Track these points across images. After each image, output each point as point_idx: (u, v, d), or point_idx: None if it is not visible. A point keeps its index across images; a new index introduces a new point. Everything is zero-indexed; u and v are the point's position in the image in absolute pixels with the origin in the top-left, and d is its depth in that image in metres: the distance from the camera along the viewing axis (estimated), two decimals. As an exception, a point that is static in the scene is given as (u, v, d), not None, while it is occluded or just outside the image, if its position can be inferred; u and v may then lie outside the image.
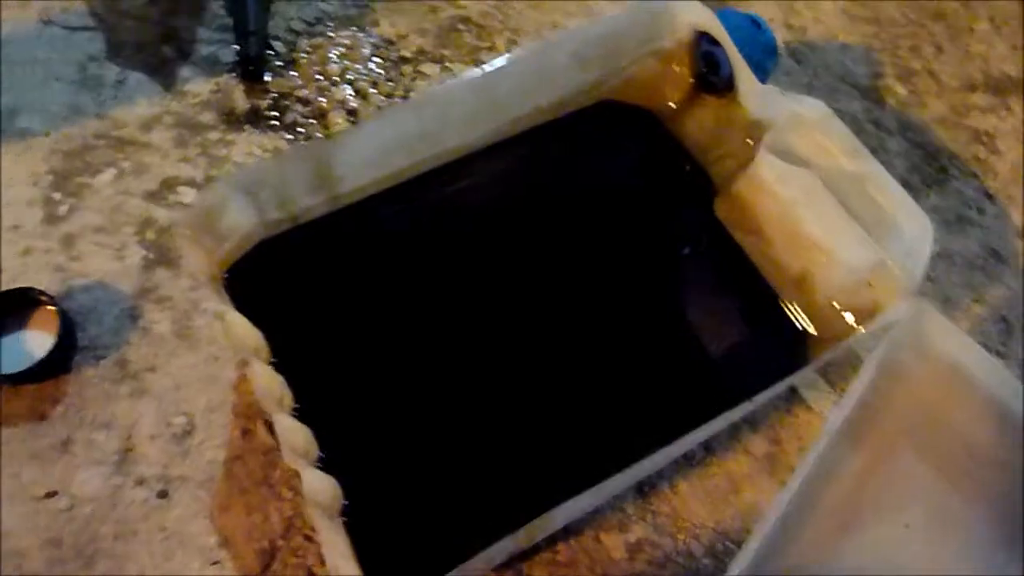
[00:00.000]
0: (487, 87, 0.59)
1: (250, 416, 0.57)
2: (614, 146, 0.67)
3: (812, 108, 0.59)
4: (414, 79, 0.71)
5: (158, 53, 0.71)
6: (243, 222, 0.54)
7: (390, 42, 0.73)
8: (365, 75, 0.71)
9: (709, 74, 0.63)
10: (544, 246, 0.63)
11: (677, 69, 0.64)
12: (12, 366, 0.56)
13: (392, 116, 0.58)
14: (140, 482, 0.54)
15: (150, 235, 0.63)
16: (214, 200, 0.52)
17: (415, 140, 0.58)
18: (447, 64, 0.72)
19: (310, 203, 0.57)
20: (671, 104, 0.66)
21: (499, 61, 0.58)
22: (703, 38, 0.62)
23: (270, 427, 0.56)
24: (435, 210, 0.62)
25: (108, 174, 0.66)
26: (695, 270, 0.65)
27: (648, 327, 0.62)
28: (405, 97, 0.70)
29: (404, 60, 0.72)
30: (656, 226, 0.66)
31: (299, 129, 0.68)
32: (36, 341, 0.58)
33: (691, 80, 0.64)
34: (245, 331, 0.50)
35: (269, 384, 0.47)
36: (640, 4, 0.62)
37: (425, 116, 0.58)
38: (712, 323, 0.63)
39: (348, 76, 0.71)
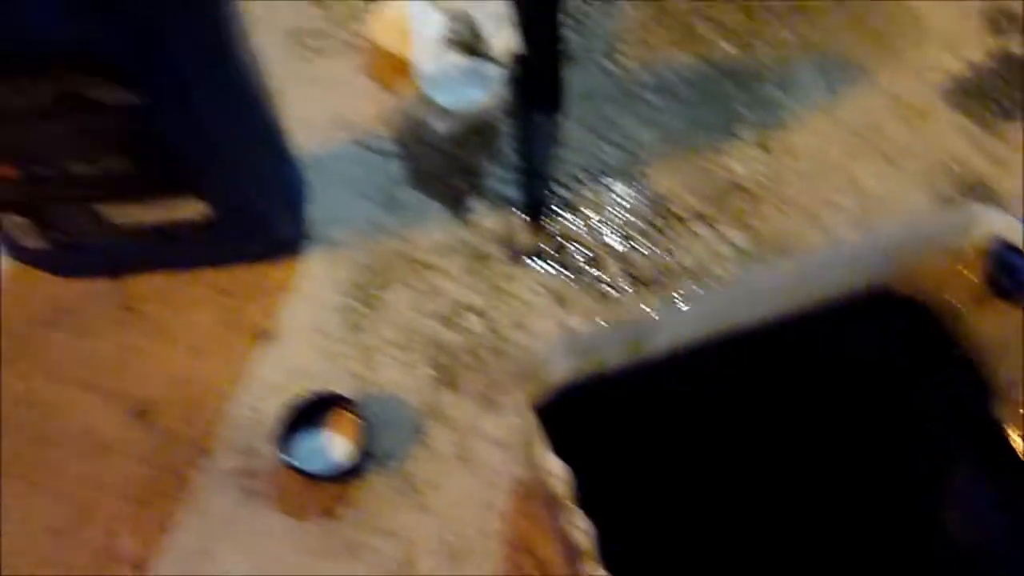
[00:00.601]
0: (789, 275, 0.62)
1: (520, 549, 0.60)
2: (888, 336, 0.68)
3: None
4: (687, 238, 0.75)
5: (454, 185, 0.78)
6: (559, 373, 0.58)
7: (664, 198, 0.77)
8: (639, 228, 0.75)
9: (1004, 281, 0.63)
10: (813, 426, 0.64)
11: (967, 271, 0.65)
12: (312, 464, 0.61)
13: (707, 300, 0.61)
14: (420, 599, 0.57)
15: (439, 357, 0.68)
16: (545, 358, 0.56)
17: (718, 318, 0.61)
18: (718, 227, 0.75)
19: (617, 360, 0.60)
20: (953, 302, 0.67)
21: (805, 257, 0.61)
22: (1003, 245, 0.63)
23: (541, 563, 0.58)
24: (718, 374, 0.64)
25: (404, 292, 0.72)
26: (967, 469, 0.64)
27: (909, 521, 0.61)
28: (675, 255, 0.74)
29: (676, 218, 0.76)
30: (928, 420, 0.65)
31: (577, 273, 0.73)
32: (336, 443, 0.63)
33: (982, 282, 0.65)
34: (557, 470, 0.52)
35: (580, 535, 0.50)
36: (943, 212, 0.64)
37: (734, 301, 0.61)
38: (984, 531, 0.61)
39: (623, 226, 0.75)
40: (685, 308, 0.61)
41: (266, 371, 0.67)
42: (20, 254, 0.69)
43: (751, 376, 0.65)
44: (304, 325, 0.69)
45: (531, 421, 0.54)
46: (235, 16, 0.53)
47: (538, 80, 0.79)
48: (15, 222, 0.64)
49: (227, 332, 0.69)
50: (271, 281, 0.72)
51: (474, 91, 0.75)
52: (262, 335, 0.69)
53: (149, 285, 0.72)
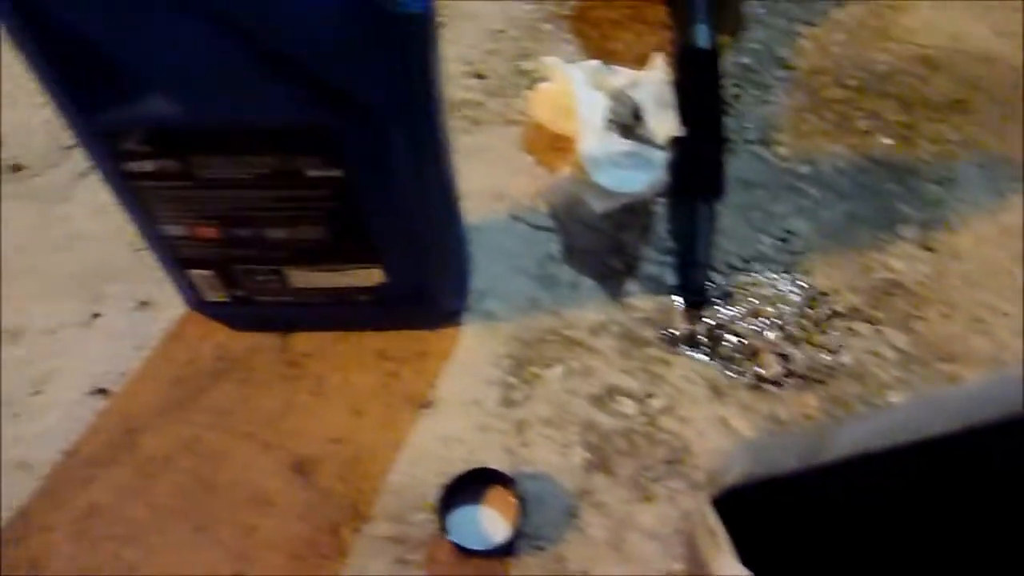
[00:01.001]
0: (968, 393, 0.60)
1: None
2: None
3: None
4: (846, 336, 0.73)
5: (607, 263, 0.79)
6: (734, 476, 0.57)
7: (823, 293, 0.76)
8: (797, 322, 0.74)
9: None
10: (988, 543, 0.61)
11: None
12: (468, 539, 0.62)
13: (887, 415, 0.59)
14: None
15: (592, 438, 0.68)
16: (727, 463, 0.55)
17: (895, 430, 0.59)
18: (879, 327, 0.74)
19: (791, 466, 0.59)
20: None
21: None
22: None
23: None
24: (892, 485, 0.62)
25: (558, 370, 0.72)
26: None
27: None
28: (834, 352, 0.72)
29: (836, 314, 0.75)
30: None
31: (733, 364, 0.72)
32: (492, 520, 0.63)
33: None
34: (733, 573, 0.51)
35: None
36: None
37: (910, 415, 0.59)
38: None
39: (780, 320, 0.74)
40: (861, 419, 0.59)
41: (423, 438, 0.68)
42: (199, 305, 0.73)
43: (927, 488, 0.62)
44: (461, 396, 0.70)
45: (709, 521, 0.53)
46: (442, 96, 0.55)
47: (699, 166, 0.80)
48: (203, 276, 0.67)
49: (386, 396, 0.71)
50: (431, 349, 0.73)
51: (637, 174, 0.76)
52: (420, 403, 0.70)
53: (312, 342, 0.75)
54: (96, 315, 0.78)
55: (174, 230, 0.62)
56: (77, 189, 0.88)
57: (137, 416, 0.72)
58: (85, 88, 0.51)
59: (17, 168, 0.90)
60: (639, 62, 0.95)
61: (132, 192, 0.59)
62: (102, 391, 0.73)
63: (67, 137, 0.90)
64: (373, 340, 0.74)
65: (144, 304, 0.79)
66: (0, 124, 0.95)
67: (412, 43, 0.49)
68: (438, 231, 0.64)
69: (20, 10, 0.46)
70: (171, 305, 0.78)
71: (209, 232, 0.62)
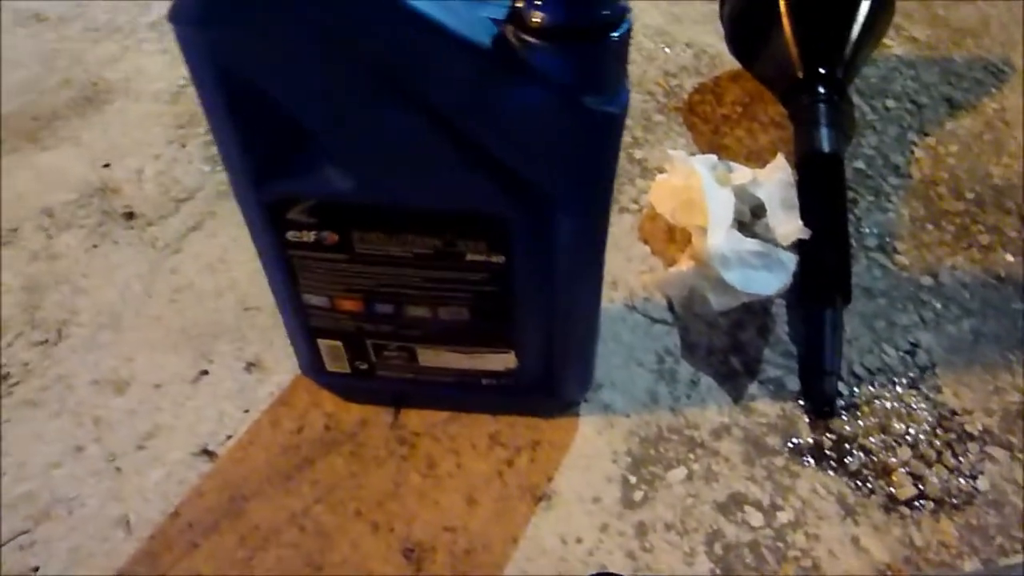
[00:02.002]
0: None
1: None
2: None
3: None
4: (981, 460, 0.70)
5: (727, 363, 0.77)
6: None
7: (954, 413, 0.73)
8: (928, 442, 0.71)
9: None
10: None
11: None
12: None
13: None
14: None
15: (717, 549, 0.65)
16: None
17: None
18: (1016, 453, 0.71)
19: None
20: None
21: None
22: None
23: None
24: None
25: (680, 472, 0.70)
26: None
27: None
28: (970, 477, 0.69)
29: (969, 436, 0.72)
30: None
31: (862, 480, 0.69)
32: (617, 631, 0.60)
33: None
34: None
35: None
36: None
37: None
38: None
39: (910, 438, 0.72)
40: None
41: (540, 534, 0.66)
42: (317, 374, 0.71)
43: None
44: (579, 491, 0.68)
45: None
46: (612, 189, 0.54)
47: (827, 271, 0.78)
48: (331, 346, 0.66)
49: (501, 485, 0.68)
50: (546, 438, 0.71)
51: (767, 275, 0.75)
52: (537, 495, 0.68)
53: (424, 420, 0.73)
54: (204, 372, 0.77)
55: (315, 300, 0.61)
56: (189, 242, 0.88)
57: (243, 483, 0.70)
58: (266, 156, 0.51)
59: (129, 215, 0.91)
60: (751, 159, 0.95)
61: (283, 260, 0.58)
62: (208, 452, 0.72)
63: (181, 189, 0.91)
64: (486, 424, 0.72)
65: (252, 365, 0.77)
66: (115, 171, 0.96)
67: (606, 140, 0.49)
68: (581, 321, 0.63)
69: (226, 80, 0.46)
70: (280, 369, 0.77)
71: (351, 305, 0.61)
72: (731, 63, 1.07)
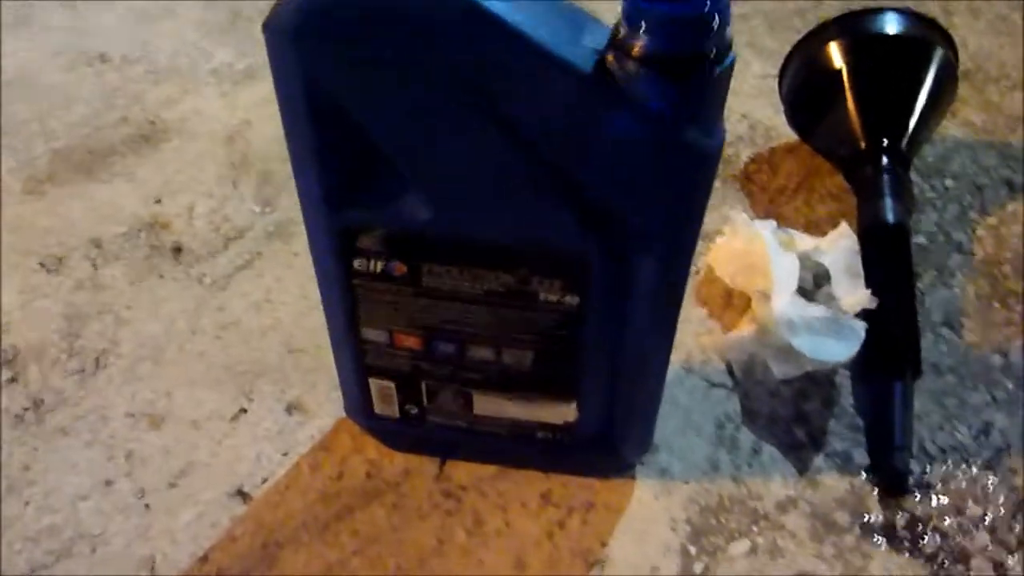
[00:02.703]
0: None
1: None
2: None
3: None
4: (1067, 551, 0.65)
5: (790, 433, 0.73)
6: None
7: (1034, 499, 0.69)
8: (1007, 527, 0.67)
9: None
10: None
11: None
12: None
13: None
14: None
15: (786, 631, 0.60)
16: None
17: None
18: (1104, 546, 0.66)
19: None
20: None
21: None
22: None
23: None
24: None
25: (742, 545, 0.65)
26: None
27: None
28: (1055, 568, 0.64)
29: (1052, 525, 0.67)
30: None
31: (939, 565, 0.64)
32: None
33: None
34: None
35: None
36: None
37: None
38: None
39: (987, 522, 0.67)
40: None
41: (593, 602, 0.61)
42: (362, 417, 0.68)
43: None
44: (636, 560, 0.64)
45: None
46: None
47: (896, 343, 0.75)
48: (383, 387, 0.64)
49: (552, 548, 0.64)
50: (600, 500, 0.67)
51: (836, 343, 0.72)
52: (590, 560, 0.63)
53: (471, 474, 0.69)
54: (243, 411, 0.74)
55: (374, 335, 0.59)
56: (236, 280, 0.87)
57: (278, 529, 0.66)
58: (343, 180, 0.50)
59: (178, 250, 0.90)
60: (810, 230, 0.93)
61: (346, 290, 0.56)
62: (243, 494, 0.68)
63: (231, 228, 0.90)
64: (537, 481, 0.69)
65: (294, 407, 0.75)
66: (166, 207, 0.95)
67: (700, 178, 0.47)
68: (650, 374, 0.60)
69: (312, 96, 0.45)
70: (322, 413, 0.74)
71: (411, 342, 0.59)
72: (787, 136, 1.06)
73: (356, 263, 0.54)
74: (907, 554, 0.65)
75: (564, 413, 0.62)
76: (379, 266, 0.54)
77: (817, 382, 0.77)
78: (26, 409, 0.74)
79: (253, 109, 1.09)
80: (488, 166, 0.47)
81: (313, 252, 0.57)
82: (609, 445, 0.65)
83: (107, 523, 0.66)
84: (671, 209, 0.48)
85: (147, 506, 0.68)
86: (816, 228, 0.94)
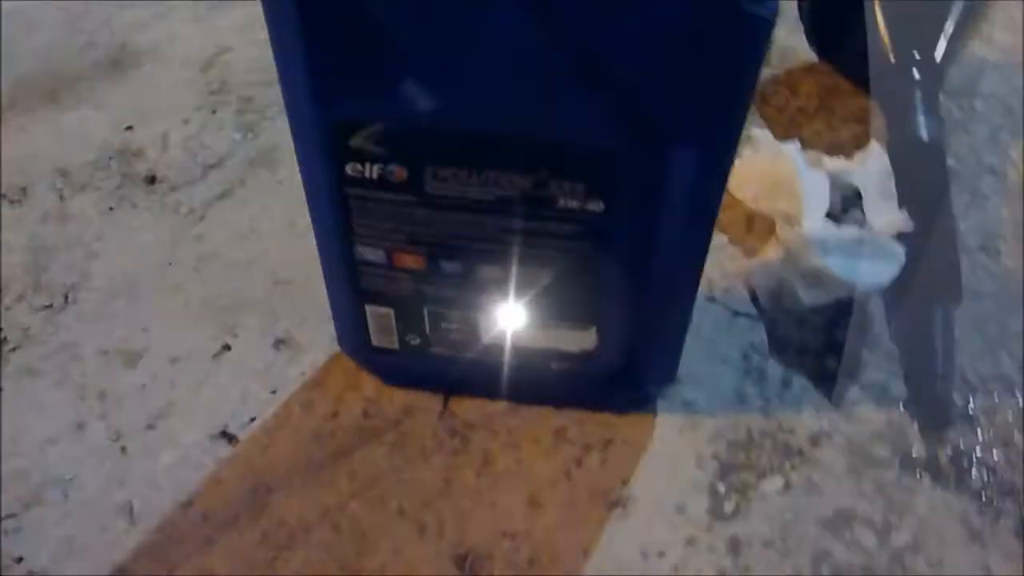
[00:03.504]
0: None
1: None
2: None
3: None
4: (1123, 484, 0.61)
5: (822, 363, 0.68)
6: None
7: (1084, 430, 0.64)
8: (1059, 460, 0.62)
9: None
10: None
11: None
12: None
13: None
14: None
15: (825, 571, 0.55)
16: None
17: None
18: None
19: None
20: None
21: None
22: None
23: None
24: None
25: (776, 482, 0.60)
26: None
27: None
28: (1112, 502, 0.60)
29: (1106, 457, 0.62)
30: None
31: (988, 501, 0.60)
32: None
33: None
34: None
35: None
36: None
37: None
38: None
39: (1037, 455, 0.62)
40: None
41: (615, 545, 0.56)
42: (358, 351, 0.62)
43: None
44: (660, 498, 0.58)
45: None
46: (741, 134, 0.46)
47: (934, 268, 0.70)
48: (381, 314, 0.57)
49: (569, 487, 0.59)
50: (619, 436, 0.62)
51: (874, 265, 0.66)
52: (611, 500, 0.58)
53: (479, 411, 0.63)
54: (226, 347, 0.68)
55: (370, 254, 0.53)
56: (216, 210, 0.80)
57: (268, 472, 0.60)
58: (334, 66, 0.43)
59: (151, 180, 0.83)
60: (833, 153, 0.87)
61: (338, 200, 0.49)
62: (228, 436, 0.62)
63: (209, 155, 0.82)
64: (551, 417, 0.63)
65: (282, 342, 0.68)
66: (138, 134, 0.88)
67: (753, 52, 0.40)
68: (677, 297, 0.54)
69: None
70: (313, 348, 0.68)
71: (412, 261, 0.52)
72: (804, 56, 0.99)
73: (349, 168, 0.48)
74: (953, 489, 0.60)
75: (583, 340, 0.56)
76: (376, 171, 0.47)
77: (848, 310, 0.71)
78: (-12, 348, 0.68)
79: (231, 35, 1.01)
80: (504, 45, 0.40)
81: (301, 159, 0.50)
82: (630, 376, 0.59)
83: (79, 468, 0.60)
84: (717, 91, 0.41)
85: (123, 449, 0.62)
86: (840, 151, 0.87)
